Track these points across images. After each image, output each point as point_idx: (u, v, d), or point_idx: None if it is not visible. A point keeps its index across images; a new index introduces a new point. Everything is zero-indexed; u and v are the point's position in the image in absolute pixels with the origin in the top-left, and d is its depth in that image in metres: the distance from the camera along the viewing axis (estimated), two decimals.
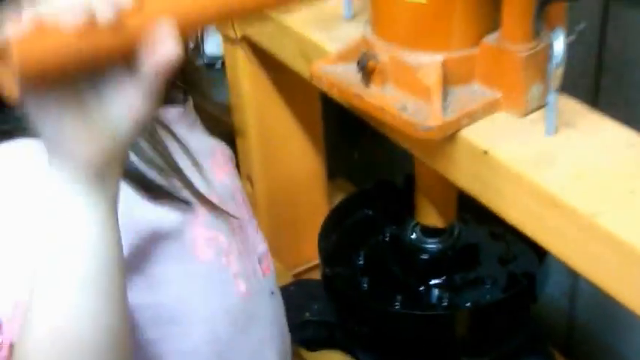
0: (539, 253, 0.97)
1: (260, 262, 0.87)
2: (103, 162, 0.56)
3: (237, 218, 0.83)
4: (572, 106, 0.78)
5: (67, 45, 0.51)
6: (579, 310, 1.50)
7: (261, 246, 0.88)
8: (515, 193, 0.72)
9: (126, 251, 0.62)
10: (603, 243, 0.65)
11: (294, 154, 1.25)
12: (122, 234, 0.60)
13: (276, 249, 1.07)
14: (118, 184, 0.59)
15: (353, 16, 0.95)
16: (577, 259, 0.69)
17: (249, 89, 1.17)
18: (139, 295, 0.70)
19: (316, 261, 1.15)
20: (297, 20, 0.97)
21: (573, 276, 1.48)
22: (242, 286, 0.81)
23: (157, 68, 0.53)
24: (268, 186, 1.24)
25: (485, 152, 0.74)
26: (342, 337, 1.05)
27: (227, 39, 1.16)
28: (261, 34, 1.06)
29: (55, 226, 0.57)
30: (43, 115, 0.53)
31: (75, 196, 0.56)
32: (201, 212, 0.77)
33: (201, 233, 0.77)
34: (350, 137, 1.50)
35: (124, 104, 0.55)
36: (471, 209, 0.99)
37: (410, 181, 0.99)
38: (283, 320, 0.90)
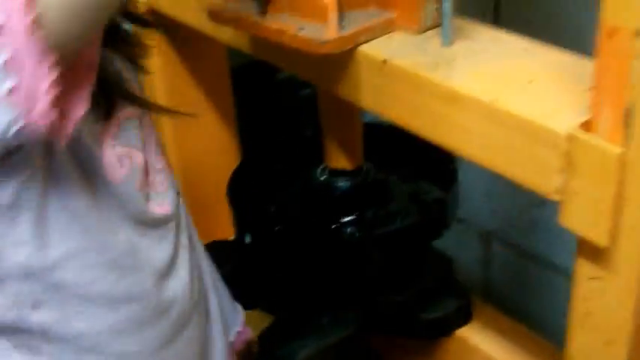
0: (445, 185, 0.97)
1: None
2: None
3: None
4: (468, 24, 0.79)
5: None
6: (493, 273, 1.53)
7: None
8: (417, 98, 0.73)
9: None
10: (504, 125, 0.66)
11: (205, 130, 1.25)
12: None
13: None
14: None
15: None
16: (479, 152, 0.70)
17: (159, 64, 1.17)
18: None
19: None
20: None
21: (486, 242, 1.52)
22: None
23: None
24: (180, 162, 1.23)
25: (384, 61, 0.75)
26: (256, 294, 1.03)
27: None
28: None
29: None
30: None
31: None
32: None
33: None
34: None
35: None
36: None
37: (317, 128, 0.99)
38: None
